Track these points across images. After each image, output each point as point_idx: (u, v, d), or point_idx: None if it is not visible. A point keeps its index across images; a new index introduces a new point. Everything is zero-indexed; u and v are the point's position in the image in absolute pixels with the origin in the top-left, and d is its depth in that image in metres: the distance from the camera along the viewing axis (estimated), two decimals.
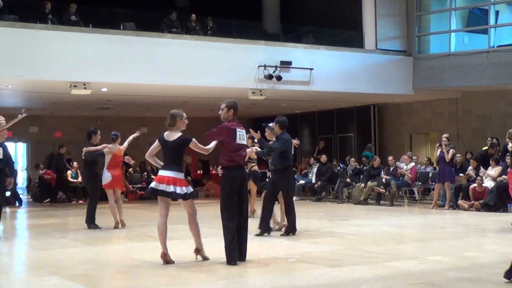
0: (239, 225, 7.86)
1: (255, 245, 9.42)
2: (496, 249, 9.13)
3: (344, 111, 24.61)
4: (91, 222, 12.41)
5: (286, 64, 17.99)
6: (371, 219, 14.14)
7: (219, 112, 8.03)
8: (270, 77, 17.66)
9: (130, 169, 22.56)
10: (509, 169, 11.04)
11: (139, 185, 22.55)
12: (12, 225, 15.29)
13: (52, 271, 7.65)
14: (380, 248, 9.31)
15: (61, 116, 24.61)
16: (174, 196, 7.82)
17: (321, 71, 18.60)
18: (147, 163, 23.49)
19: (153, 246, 10.03)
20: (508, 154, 14.79)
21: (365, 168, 19.54)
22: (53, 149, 23.87)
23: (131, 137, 12.70)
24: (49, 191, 21.24)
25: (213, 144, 8.01)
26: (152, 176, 22.73)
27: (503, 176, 15.09)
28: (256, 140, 11.02)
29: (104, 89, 17.50)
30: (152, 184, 7.89)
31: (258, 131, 10.64)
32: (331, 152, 24.15)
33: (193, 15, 18.98)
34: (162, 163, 8.06)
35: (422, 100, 21.90)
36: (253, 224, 10.68)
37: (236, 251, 7.76)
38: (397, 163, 18.70)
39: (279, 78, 17.74)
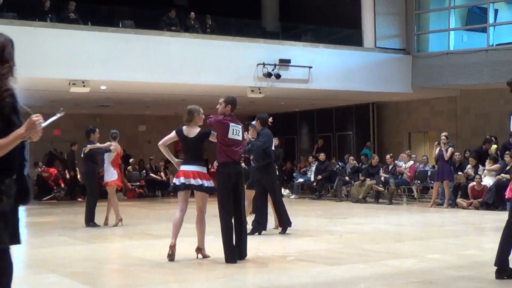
0: (237, 223, 7.84)
1: (254, 243, 9.42)
2: (495, 248, 9.06)
3: (343, 110, 24.61)
4: (90, 220, 12.40)
5: (285, 62, 17.99)
6: (370, 218, 14.15)
7: (217, 106, 8.04)
8: (269, 75, 17.66)
9: (129, 167, 22.56)
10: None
11: (138, 183, 22.54)
12: None
13: (50, 268, 7.64)
14: (378, 247, 9.32)
15: None
16: (204, 189, 7.88)
17: (320, 69, 18.59)
18: (146, 161, 23.52)
19: (152, 244, 10.06)
20: (507, 152, 14.82)
21: (363, 166, 19.56)
22: (51, 147, 23.88)
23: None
24: (48, 189, 21.23)
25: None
26: (151, 174, 22.77)
27: (502, 175, 15.12)
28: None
29: (103, 87, 17.49)
30: (182, 180, 7.89)
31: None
32: (330, 150, 24.14)
33: (192, 13, 18.96)
34: (171, 154, 8.24)
35: (421, 98, 21.90)
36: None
37: (234, 250, 7.76)
38: (395, 161, 18.71)
39: (278, 76, 17.74)
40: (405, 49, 20.30)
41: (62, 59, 15.44)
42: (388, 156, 18.90)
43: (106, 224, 12.49)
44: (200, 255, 8.08)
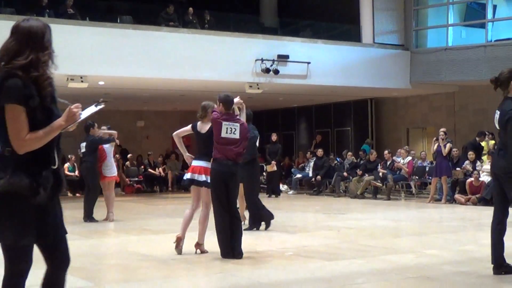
0: (230, 221, 7.75)
1: (252, 238, 9.44)
2: None
3: (341, 105, 24.60)
4: (89, 215, 12.38)
5: (283, 58, 17.99)
6: (368, 213, 14.16)
7: None
8: (267, 70, 17.65)
9: (127, 163, 22.55)
10: None
11: (136, 179, 22.54)
12: None
13: None
14: (376, 242, 9.34)
15: None
16: (205, 185, 7.92)
17: (319, 65, 18.59)
18: (144, 157, 23.51)
19: (150, 239, 10.07)
20: None
21: (362, 162, 19.57)
22: None
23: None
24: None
25: None
26: (149, 169, 22.78)
27: None
28: None
29: (101, 83, 17.47)
30: (188, 175, 8.05)
31: None
32: (328, 146, 24.15)
33: (191, 9, 18.93)
34: (183, 146, 8.38)
35: (419, 94, 21.90)
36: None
37: (228, 244, 7.74)
38: (394, 157, 18.72)
39: (276, 72, 17.73)
40: (403, 44, 20.29)
41: (60, 54, 14.98)
42: (386, 152, 18.91)
43: (109, 219, 12.47)
44: (198, 251, 8.09)
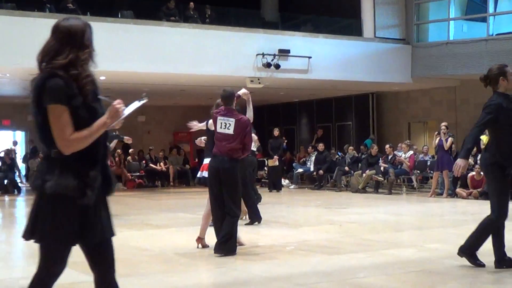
0: (222, 217, 7.65)
1: (253, 233, 9.45)
2: None
3: (342, 100, 24.58)
4: None
5: (284, 53, 17.97)
6: (370, 207, 14.16)
7: None
8: (268, 65, 17.63)
9: (129, 157, 22.57)
10: None
11: (138, 173, 22.56)
12: (11, 213, 15.32)
13: None
14: (378, 236, 9.34)
15: None
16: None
17: (320, 59, 18.57)
18: (145, 151, 23.52)
19: (151, 233, 10.08)
20: None
21: (363, 156, 19.56)
22: None
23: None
24: None
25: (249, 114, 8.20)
26: (151, 164, 22.80)
27: None
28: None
29: (102, 78, 17.43)
30: (200, 173, 8.13)
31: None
32: (330, 141, 24.15)
33: (191, 3, 18.91)
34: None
35: (420, 88, 21.88)
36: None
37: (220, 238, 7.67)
38: (395, 151, 18.71)
39: (277, 66, 17.72)
40: (404, 39, 20.26)
41: None
42: (387, 146, 18.91)
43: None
44: (200, 245, 8.09)
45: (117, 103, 3.35)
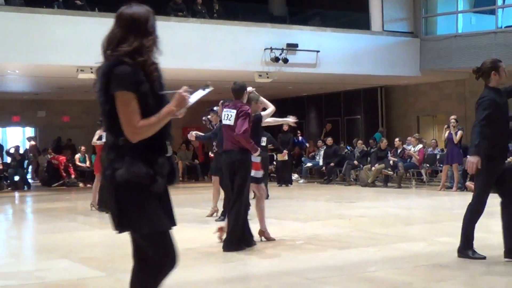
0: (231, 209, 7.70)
1: None
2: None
3: (351, 94, 24.53)
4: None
5: (292, 47, 17.93)
6: (379, 201, 14.15)
7: None
8: (276, 59, 17.61)
9: None
10: None
11: None
12: (21, 209, 15.39)
13: (61, 254, 7.68)
14: (388, 230, 9.33)
15: (68, 101, 24.61)
16: (253, 181, 7.89)
17: (328, 53, 18.53)
18: None
19: None
20: None
21: (372, 150, 19.53)
22: (61, 134, 23.96)
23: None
24: (59, 175, 21.32)
25: (270, 109, 8.37)
26: None
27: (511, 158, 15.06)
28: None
29: None
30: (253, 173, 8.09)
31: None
32: (338, 135, 24.12)
33: None
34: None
35: (429, 81, 21.80)
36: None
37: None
38: (404, 145, 18.68)
39: (285, 60, 17.69)
40: (413, 32, 20.18)
41: (70, 46, 15.43)
42: (396, 140, 18.87)
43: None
44: (263, 238, 8.21)
45: (184, 90, 3.31)
